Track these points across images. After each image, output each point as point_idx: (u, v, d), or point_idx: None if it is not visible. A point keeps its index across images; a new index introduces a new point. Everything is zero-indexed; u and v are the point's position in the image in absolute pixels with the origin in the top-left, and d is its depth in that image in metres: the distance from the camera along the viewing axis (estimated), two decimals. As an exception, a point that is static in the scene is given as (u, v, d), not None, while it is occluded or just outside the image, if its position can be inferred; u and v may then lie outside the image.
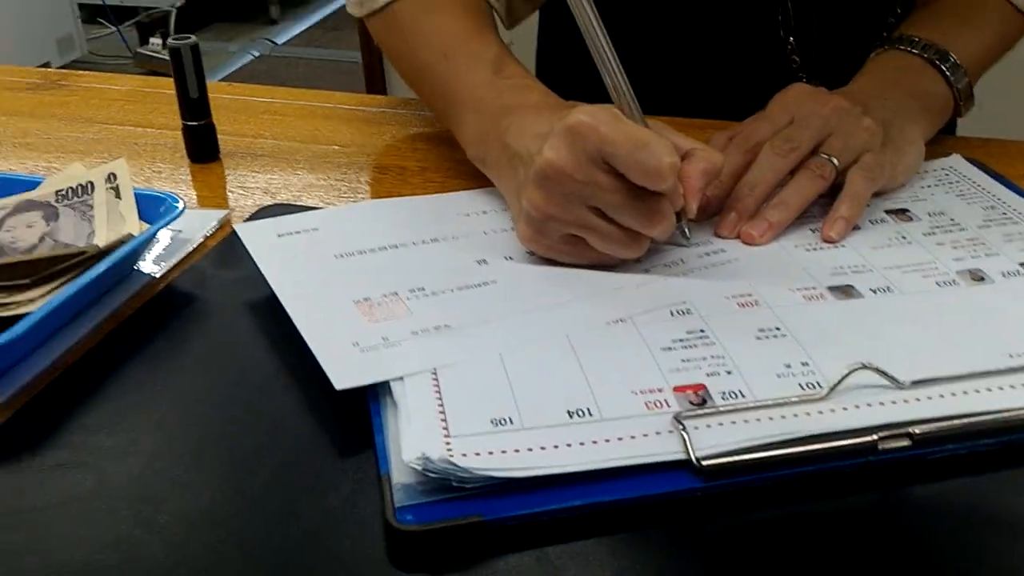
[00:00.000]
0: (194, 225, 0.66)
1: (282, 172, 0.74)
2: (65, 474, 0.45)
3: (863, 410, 0.45)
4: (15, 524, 0.42)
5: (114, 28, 3.71)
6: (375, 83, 2.58)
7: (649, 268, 0.57)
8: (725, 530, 0.41)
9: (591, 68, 0.56)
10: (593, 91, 0.58)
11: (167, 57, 0.76)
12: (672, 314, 0.53)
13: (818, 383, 0.46)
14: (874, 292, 0.54)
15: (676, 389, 0.46)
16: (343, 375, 0.47)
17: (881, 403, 0.45)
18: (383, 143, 0.79)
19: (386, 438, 0.45)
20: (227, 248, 0.64)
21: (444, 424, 0.44)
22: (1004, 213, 0.62)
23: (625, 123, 0.52)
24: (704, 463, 0.42)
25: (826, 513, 0.42)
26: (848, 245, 0.59)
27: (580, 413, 0.45)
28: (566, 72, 0.91)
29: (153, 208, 0.63)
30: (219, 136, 0.77)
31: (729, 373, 0.47)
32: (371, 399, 0.47)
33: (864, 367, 0.46)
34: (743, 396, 0.46)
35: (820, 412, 0.45)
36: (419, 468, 0.41)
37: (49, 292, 0.56)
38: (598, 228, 0.54)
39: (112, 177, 0.65)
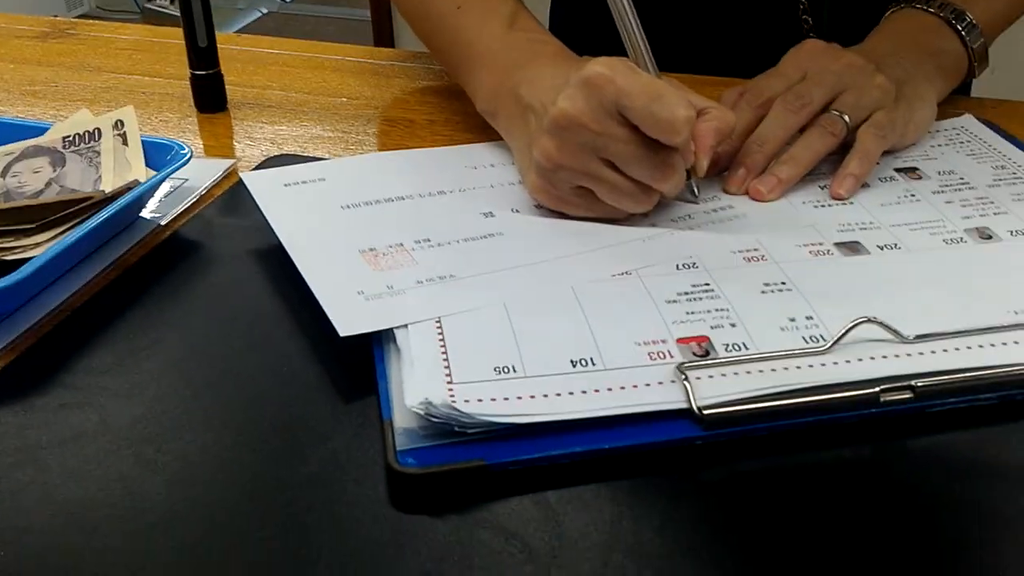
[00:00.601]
0: (200, 174, 0.66)
1: (289, 123, 0.74)
2: (69, 414, 0.45)
3: (866, 363, 0.45)
4: (20, 461, 0.42)
5: (123, -17, 3.69)
6: (383, 41, 2.57)
7: (656, 223, 0.57)
8: (724, 479, 0.41)
9: (603, 24, 0.56)
10: (605, 46, 0.58)
11: (175, 12, 0.76)
12: (678, 268, 0.52)
13: (822, 336, 0.46)
14: (881, 249, 0.54)
15: (679, 341, 0.46)
16: (347, 322, 0.47)
17: (884, 356, 0.45)
18: (391, 96, 0.79)
19: (389, 384, 0.45)
20: (233, 197, 0.64)
21: (447, 370, 0.44)
22: (1014, 173, 0.62)
23: (641, 75, 0.52)
24: (705, 412, 0.42)
25: (826, 464, 0.42)
26: (856, 202, 0.59)
27: (583, 363, 0.45)
28: (579, 28, 0.91)
29: (160, 155, 0.63)
30: (227, 87, 0.77)
31: (733, 326, 0.47)
32: (375, 346, 0.48)
33: (868, 321, 0.45)
34: (746, 348, 0.46)
35: (823, 364, 0.45)
36: (422, 413, 0.41)
37: (55, 237, 0.56)
38: (609, 179, 0.54)
39: (119, 124, 0.65)
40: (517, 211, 0.59)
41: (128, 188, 0.59)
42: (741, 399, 0.43)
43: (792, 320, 0.48)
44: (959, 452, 0.42)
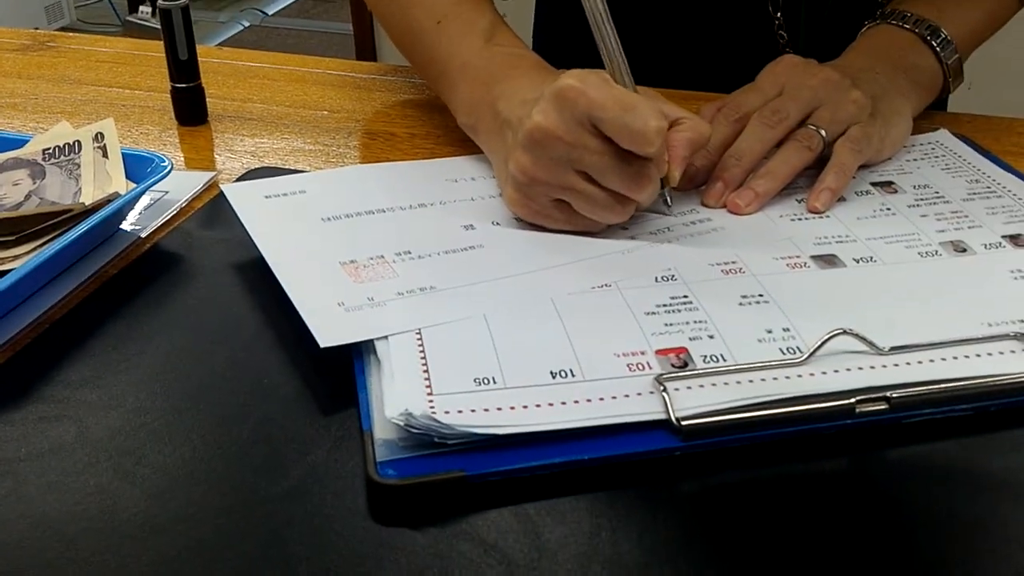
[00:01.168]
0: (181, 186, 0.66)
1: (270, 136, 0.74)
2: (48, 427, 0.45)
3: (842, 374, 0.45)
4: (-3, 474, 0.42)
5: (104, -5, 3.69)
6: (365, 55, 2.57)
7: (636, 235, 0.58)
8: (702, 490, 0.42)
9: (588, 39, 0.56)
10: (589, 62, 0.58)
11: (156, 25, 0.75)
12: (657, 280, 0.53)
13: (798, 348, 0.47)
14: (857, 261, 0.55)
15: (658, 352, 0.47)
16: (327, 333, 0.47)
17: (860, 368, 0.45)
18: (372, 109, 0.79)
19: (369, 396, 0.45)
20: (213, 210, 0.64)
21: (427, 382, 0.45)
22: (988, 187, 0.63)
23: (613, 87, 0.53)
24: (683, 423, 0.42)
25: (803, 475, 0.42)
26: (833, 215, 0.60)
27: (563, 374, 0.45)
28: (563, 42, 0.91)
29: (140, 168, 0.63)
30: (208, 100, 0.77)
31: (711, 337, 0.48)
32: (355, 358, 0.48)
33: (844, 332, 0.46)
34: (724, 360, 0.46)
35: (799, 376, 0.45)
36: (401, 424, 0.42)
37: (34, 249, 0.56)
38: (584, 191, 0.54)
39: (99, 136, 0.65)
40: (497, 224, 0.59)
41: (108, 200, 0.59)
42: (719, 410, 0.43)
43: (769, 332, 0.48)
44: (934, 463, 0.43)
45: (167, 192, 0.65)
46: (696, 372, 0.45)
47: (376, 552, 0.38)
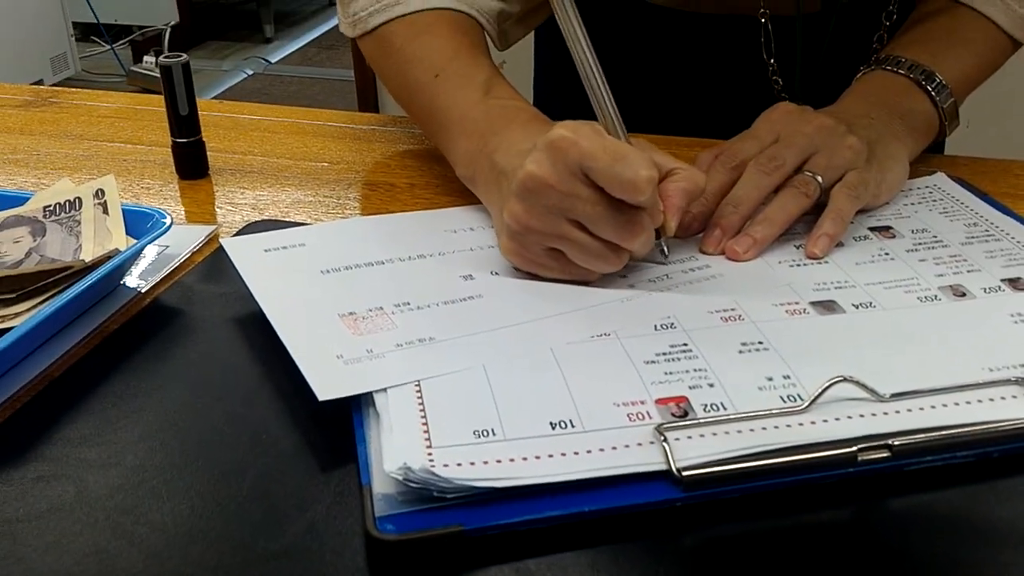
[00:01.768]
0: (181, 241, 0.66)
1: (271, 188, 0.75)
2: (46, 486, 0.45)
3: (843, 422, 0.45)
4: (-5, 535, 0.42)
5: (108, 46, 3.73)
6: (368, 101, 2.59)
7: (634, 283, 0.58)
8: (705, 541, 0.41)
9: (585, 93, 0.57)
10: (589, 114, 0.59)
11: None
12: (656, 328, 0.53)
13: (799, 396, 0.47)
14: (856, 307, 0.55)
15: (658, 401, 0.47)
16: (326, 386, 0.47)
17: (861, 415, 0.45)
18: (372, 160, 0.80)
19: (368, 449, 0.45)
20: (214, 264, 0.64)
21: (426, 434, 0.44)
22: (986, 230, 0.63)
23: (605, 138, 0.53)
24: (684, 474, 0.42)
25: (805, 525, 0.42)
26: (831, 261, 0.60)
27: (563, 424, 0.45)
28: (562, 93, 0.92)
29: (141, 224, 0.63)
30: (209, 153, 0.78)
31: (711, 386, 0.48)
32: (355, 411, 0.48)
33: (845, 380, 0.46)
34: (725, 408, 0.46)
35: (800, 424, 0.45)
36: (400, 478, 0.41)
37: (35, 306, 0.56)
38: (578, 240, 0.55)
39: (100, 193, 0.66)
40: (496, 273, 0.59)
41: (108, 257, 0.59)
42: (720, 460, 0.43)
43: (770, 379, 0.48)
44: (937, 511, 0.42)
45: (168, 246, 0.66)
46: (696, 421, 0.45)
47: (376, 610, 0.38)
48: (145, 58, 3.57)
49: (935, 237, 0.62)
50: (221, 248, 0.61)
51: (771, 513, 0.42)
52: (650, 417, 0.46)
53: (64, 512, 0.43)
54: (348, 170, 0.78)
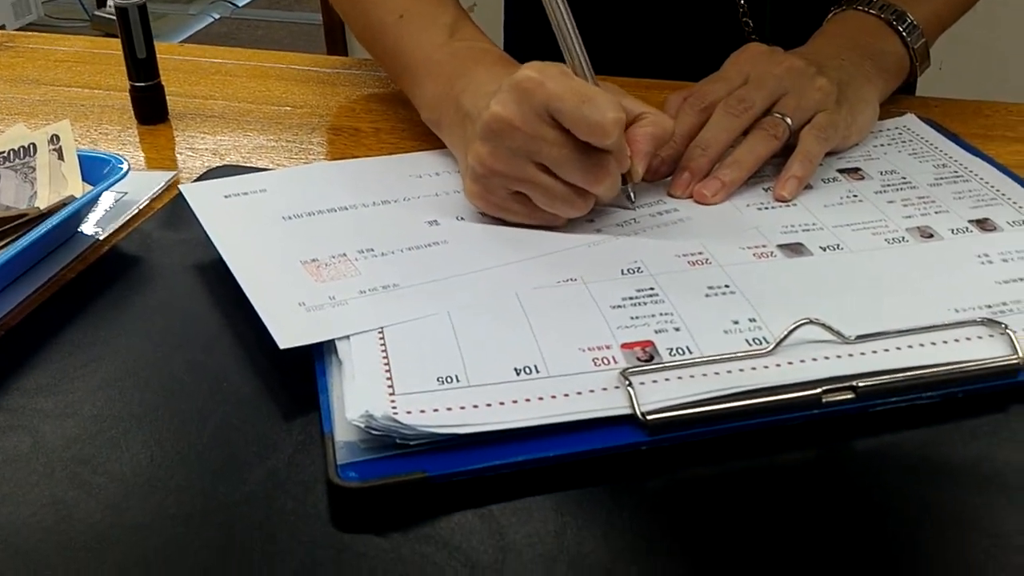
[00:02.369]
0: (140, 187, 0.65)
1: (232, 133, 0.73)
2: (2, 436, 0.44)
3: (808, 364, 0.45)
4: (-51, 487, 0.41)
5: (71, -10, 3.64)
6: (336, 45, 2.55)
7: (601, 228, 0.57)
8: (670, 485, 0.41)
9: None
10: (558, 56, 0.58)
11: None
12: (623, 273, 0.52)
13: (765, 339, 0.46)
14: (823, 250, 0.54)
15: (624, 346, 0.46)
16: (287, 334, 0.47)
17: (826, 357, 0.45)
18: (336, 104, 0.78)
19: (330, 397, 0.44)
20: (174, 211, 0.63)
21: (389, 382, 0.44)
22: (955, 171, 0.62)
23: (572, 79, 0.52)
24: (649, 418, 0.42)
25: (770, 467, 0.42)
26: (799, 204, 0.59)
27: (527, 370, 0.45)
28: (534, 38, 0.90)
29: (97, 170, 0.62)
30: (168, 97, 0.76)
31: (677, 330, 0.47)
32: (316, 358, 0.47)
33: (810, 322, 0.46)
34: (690, 352, 0.46)
35: (765, 367, 0.45)
36: (362, 426, 0.41)
37: (-11, 254, 0.55)
38: (543, 184, 0.54)
39: (55, 139, 0.64)
40: (462, 219, 0.58)
41: (64, 204, 0.57)
42: (684, 403, 0.43)
43: (736, 323, 0.48)
44: (902, 451, 0.42)
45: (126, 193, 0.64)
46: (662, 365, 0.45)
47: (338, 557, 0.38)
48: (109, 2, 3.48)
49: (904, 179, 0.62)
50: (181, 194, 0.60)
51: (736, 456, 0.42)
52: (615, 362, 0.45)
53: (20, 463, 0.43)
54: (312, 114, 0.76)
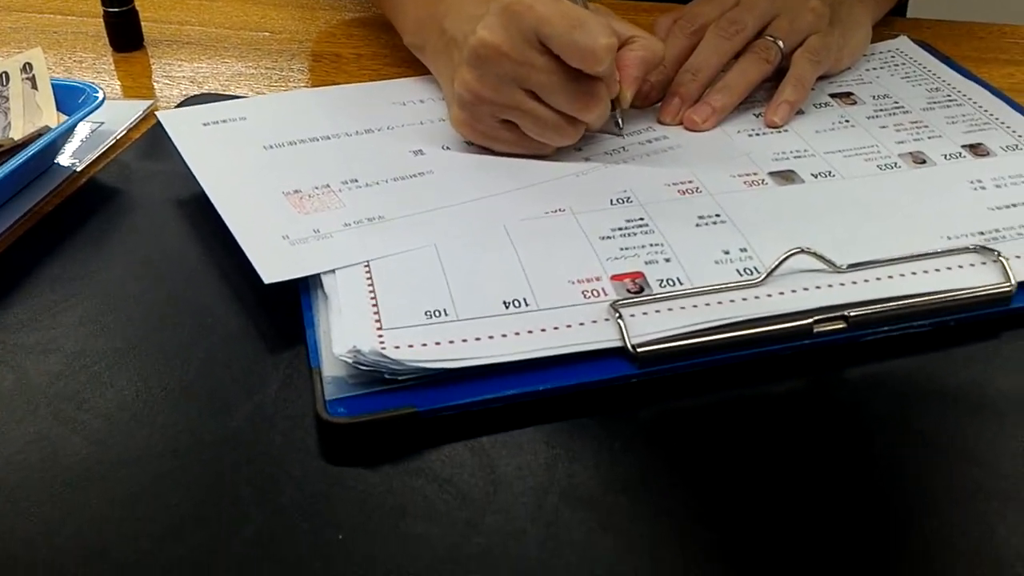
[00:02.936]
0: (117, 116, 0.63)
1: (210, 60, 0.71)
2: (-17, 374, 0.43)
3: (799, 294, 0.44)
4: (-69, 426, 0.41)
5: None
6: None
7: (590, 157, 0.56)
8: (659, 417, 0.41)
9: None
10: None
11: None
12: (612, 203, 0.51)
13: (756, 269, 0.46)
14: (815, 177, 0.53)
15: (613, 278, 0.46)
16: (271, 268, 0.46)
17: (817, 287, 0.45)
18: (317, 29, 0.76)
19: (317, 332, 0.44)
20: (152, 140, 0.61)
21: (376, 316, 0.43)
22: (948, 95, 0.62)
23: (562, 2, 0.50)
24: (639, 350, 0.41)
25: (761, 398, 0.42)
26: (791, 130, 0.58)
27: (516, 303, 0.44)
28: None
29: (72, 99, 0.60)
30: (144, 23, 0.74)
31: (667, 261, 0.47)
32: (302, 293, 0.46)
33: (802, 251, 0.45)
34: (680, 283, 0.45)
35: (756, 297, 0.44)
36: (350, 361, 0.40)
37: (-37, 187, 0.53)
38: (532, 111, 0.52)
39: (28, 67, 0.62)
40: (448, 148, 0.57)
41: (39, 134, 0.56)
42: (675, 335, 0.42)
43: (726, 253, 0.47)
44: (894, 380, 0.42)
45: (103, 123, 0.63)
46: (652, 297, 0.44)
47: (328, 491, 0.38)
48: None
49: (896, 103, 0.61)
50: (159, 124, 0.58)
51: (726, 387, 0.42)
52: (605, 294, 0.45)
53: (3, 400, 0.42)
54: (291, 40, 0.74)
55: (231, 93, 0.66)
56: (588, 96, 0.52)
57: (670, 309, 0.44)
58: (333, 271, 0.46)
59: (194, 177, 0.54)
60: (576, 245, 0.48)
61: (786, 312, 0.43)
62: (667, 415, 0.41)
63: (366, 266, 0.47)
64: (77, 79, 0.62)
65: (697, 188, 0.52)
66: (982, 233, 0.48)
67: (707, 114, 0.59)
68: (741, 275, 0.46)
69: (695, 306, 0.44)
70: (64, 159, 0.59)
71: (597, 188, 0.53)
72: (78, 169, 0.58)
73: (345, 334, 0.42)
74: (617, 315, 0.43)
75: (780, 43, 0.60)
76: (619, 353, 0.42)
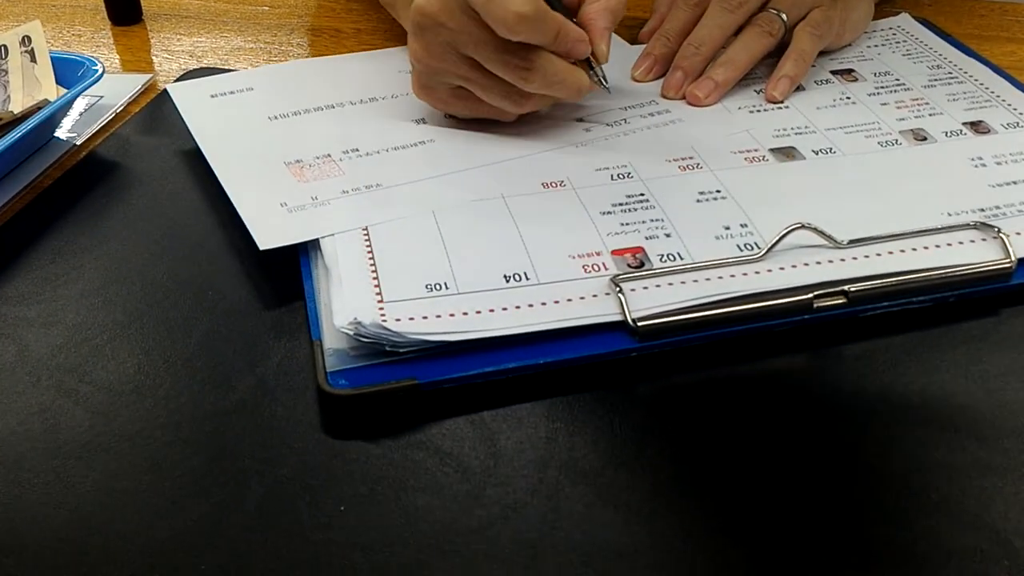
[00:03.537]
0: (116, 90, 0.63)
1: (209, 35, 0.71)
2: (-15, 346, 0.43)
3: (799, 269, 0.44)
4: (-67, 397, 0.41)
5: None
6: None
7: (591, 128, 0.56)
8: (659, 391, 0.41)
9: None
10: None
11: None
12: (613, 178, 0.51)
13: (756, 244, 0.46)
14: (816, 153, 0.53)
15: (614, 252, 0.46)
16: (267, 235, 0.46)
17: (818, 262, 0.45)
18: (316, 3, 0.76)
19: (318, 304, 0.44)
20: (151, 114, 0.61)
21: (377, 289, 0.43)
22: (949, 72, 0.61)
23: None
24: (640, 324, 0.41)
25: (761, 373, 0.42)
26: (792, 106, 0.58)
27: (517, 277, 0.44)
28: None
29: (71, 72, 0.60)
30: (142, -4, 0.74)
31: (668, 236, 0.47)
32: (303, 266, 0.46)
33: (802, 227, 0.45)
34: (681, 258, 0.45)
35: (757, 272, 0.44)
36: (351, 333, 0.40)
37: (-38, 160, 0.53)
38: (478, 80, 0.51)
39: (26, 40, 0.62)
40: (451, 116, 0.57)
41: (38, 108, 0.56)
42: (675, 310, 0.42)
43: (727, 228, 0.47)
44: (894, 356, 0.42)
45: (102, 97, 0.62)
46: (652, 272, 0.44)
47: (329, 464, 0.38)
48: None
49: (897, 80, 0.61)
50: (158, 98, 0.58)
51: (726, 362, 0.42)
52: (606, 268, 0.45)
53: (5, 372, 0.42)
54: (291, 14, 0.74)
55: (230, 68, 0.66)
56: (523, 65, 0.50)
57: (670, 284, 0.44)
58: (334, 245, 0.46)
59: (193, 150, 0.54)
60: (577, 220, 0.48)
61: (786, 287, 0.43)
62: (667, 389, 0.41)
63: (366, 238, 0.47)
64: (76, 52, 0.62)
65: (698, 164, 0.52)
66: (983, 210, 0.48)
67: (710, 89, 0.58)
68: (741, 250, 0.46)
69: (695, 281, 0.44)
70: (63, 133, 0.59)
71: (598, 161, 0.53)
72: (78, 143, 0.58)
73: (346, 306, 0.42)
74: (618, 289, 0.43)
75: (783, 16, 0.60)
76: (619, 327, 0.42)
